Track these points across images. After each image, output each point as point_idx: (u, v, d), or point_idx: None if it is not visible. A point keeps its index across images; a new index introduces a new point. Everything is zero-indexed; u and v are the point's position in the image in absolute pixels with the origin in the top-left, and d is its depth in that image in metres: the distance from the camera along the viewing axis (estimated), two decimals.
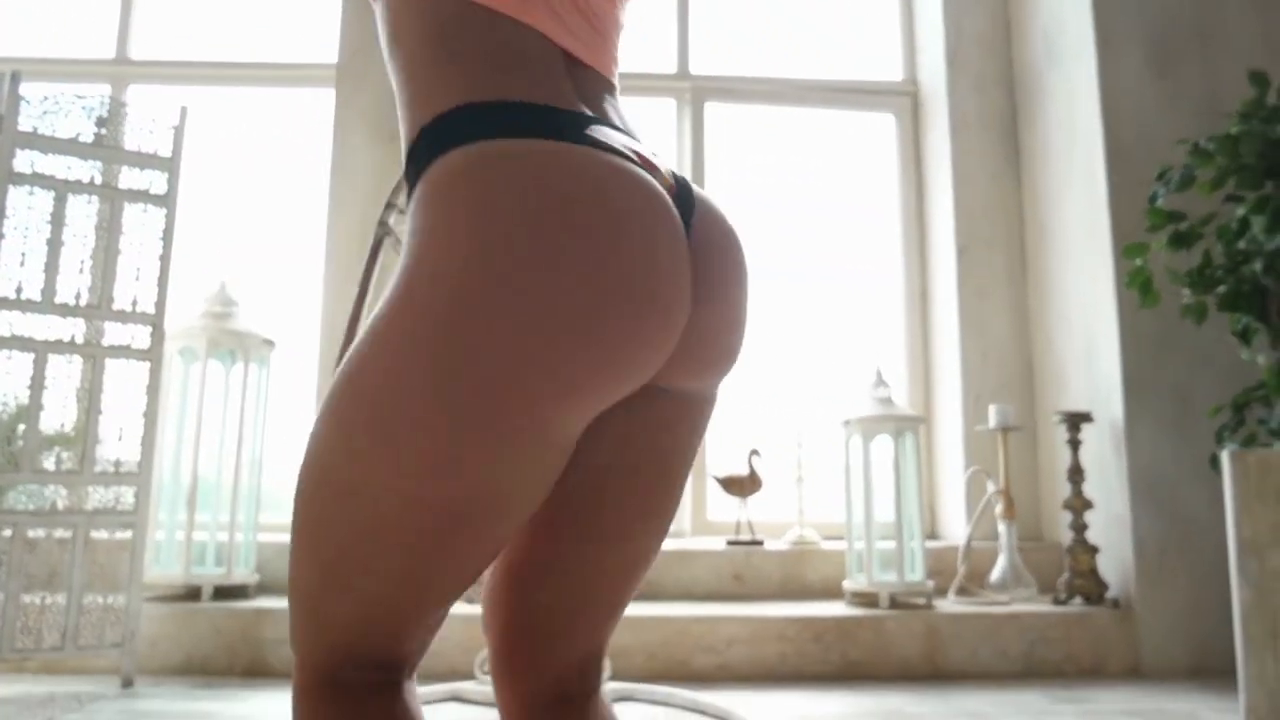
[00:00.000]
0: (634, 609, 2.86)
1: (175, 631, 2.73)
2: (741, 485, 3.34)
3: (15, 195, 2.55)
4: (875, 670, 2.78)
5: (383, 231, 2.16)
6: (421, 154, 0.69)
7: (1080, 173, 3.24)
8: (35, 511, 2.53)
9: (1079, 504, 2.97)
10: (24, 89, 2.61)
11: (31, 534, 2.53)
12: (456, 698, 2.44)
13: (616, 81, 0.82)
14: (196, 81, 3.84)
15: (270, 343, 3.06)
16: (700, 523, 3.59)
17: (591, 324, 0.63)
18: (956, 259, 3.58)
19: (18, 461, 2.50)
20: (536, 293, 0.61)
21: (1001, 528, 3.12)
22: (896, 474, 2.97)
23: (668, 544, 3.32)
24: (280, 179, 3.72)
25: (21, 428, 2.51)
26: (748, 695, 2.53)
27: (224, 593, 2.91)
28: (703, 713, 2.31)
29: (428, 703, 2.40)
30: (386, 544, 0.65)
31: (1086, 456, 3.15)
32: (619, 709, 2.35)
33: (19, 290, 2.53)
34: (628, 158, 0.70)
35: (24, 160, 2.57)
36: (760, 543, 3.29)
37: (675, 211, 0.70)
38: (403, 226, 2.30)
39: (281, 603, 2.87)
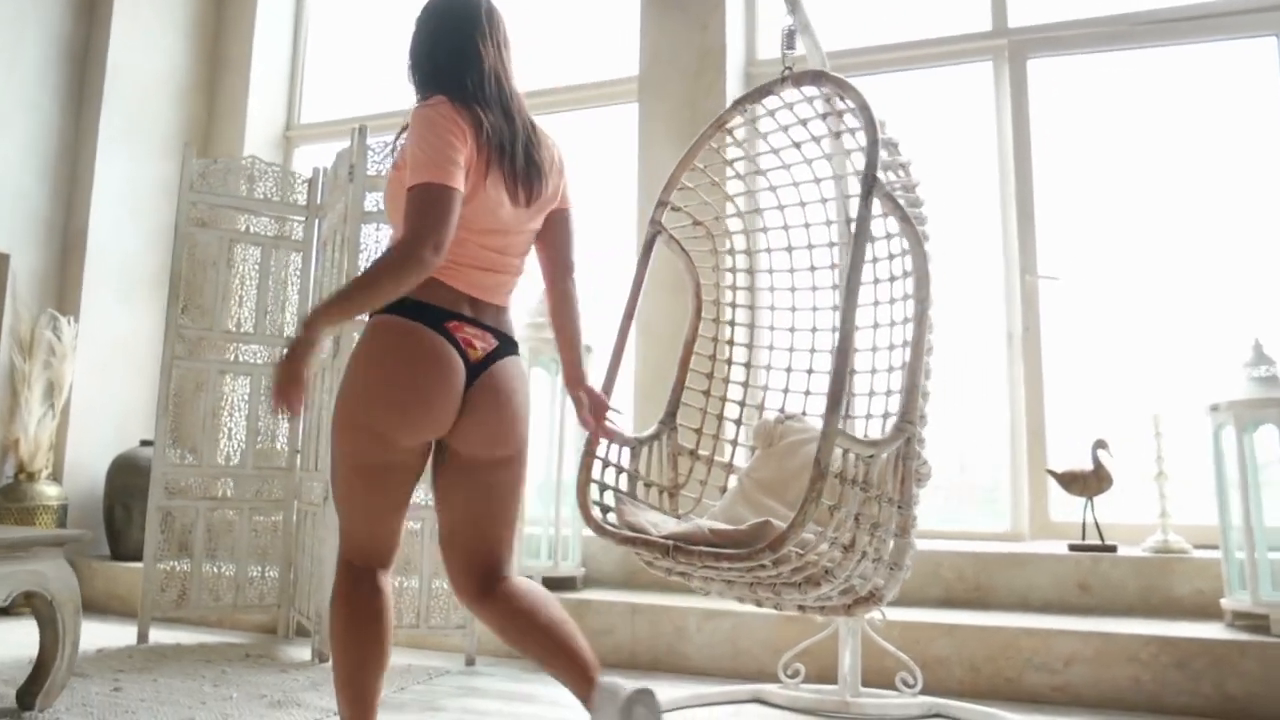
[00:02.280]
0: (955, 617, 2.62)
1: None
2: (1085, 483, 2.93)
3: (365, 230, 2.93)
4: (1263, 711, 2.29)
5: (654, 230, 2.18)
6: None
7: None
8: None
9: None
10: (370, 140, 3.00)
11: None
12: (759, 699, 2.39)
13: (506, 302, 1.68)
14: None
15: (589, 349, 3.23)
16: (1040, 524, 3.21)
17: (382, 398, 1.53)
18: None
19: None
20: (370, 379, 1.55)
21: None
22: None
23: (1000, 548, 3.00)
24: (594, 189, 3.93)
25: None
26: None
27: (554, 584, 3.09)
28: None
29: (731, 702, 2.37)
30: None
31: None
32: None
33: None
34: (447, 335, 1.54)
35: (370, 200, 2.95)
36: (1113, 548, 2.86)
37: (456, 364, 1.54)
38: (673, 223, 2.29)
39: (603, 595, 3.02)
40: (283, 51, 4.75)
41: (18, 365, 3.76)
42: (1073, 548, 2.89)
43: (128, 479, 3.76)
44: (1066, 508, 3.13)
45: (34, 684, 2.16)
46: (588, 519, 1.96)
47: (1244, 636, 2.37)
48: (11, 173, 3.84)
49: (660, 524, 1.95)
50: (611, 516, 2.03)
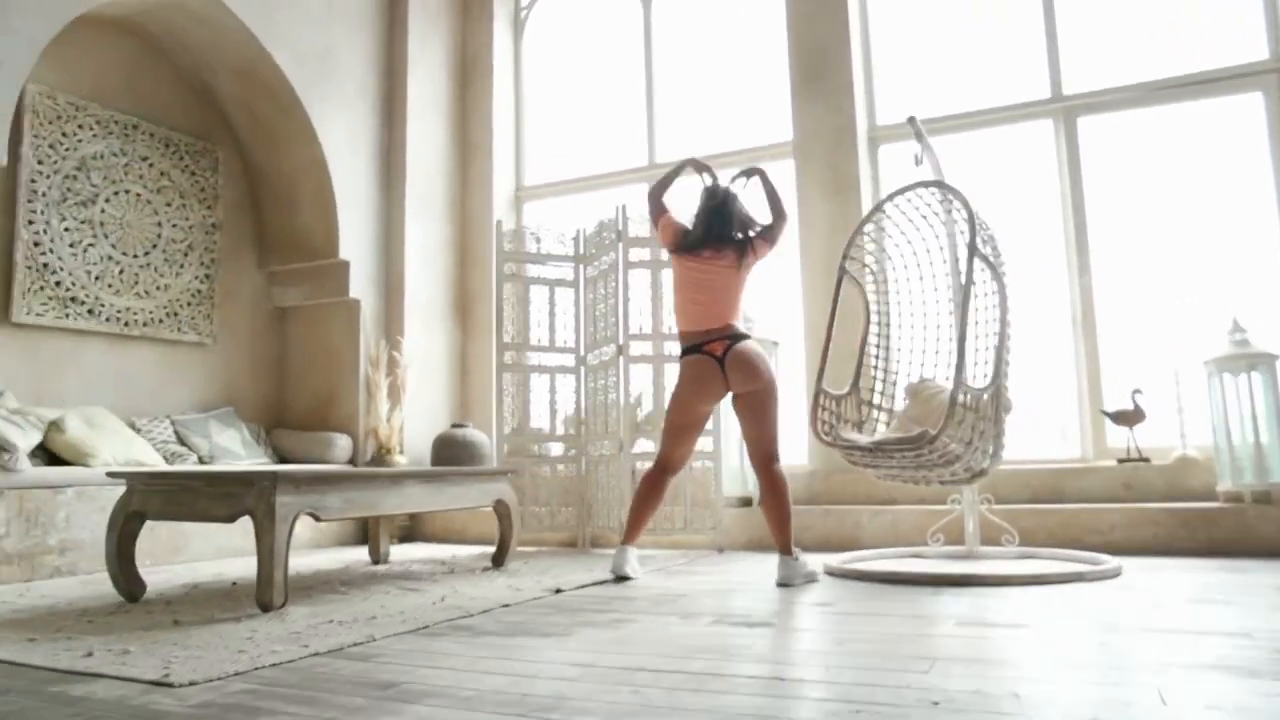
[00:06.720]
0: (1041, 508, 4.06)
1: (741, 523, 4.54)
2: (1128, 418, 4.31)
3: (634, 276, 4.51)
4: (1235, 550, 3.67)
5: (841, 273, 3.67)
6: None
7: None
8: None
9: None
10: (628, 212, 4.57)
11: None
12: (916, 555, 3.87)
13: (731, 320, 3.44)
14: None
15: (776, 343, 4.75)
16: (1099, 450, 4.59)
17: (681, 393, 3.44)
18: None
19: (639, 428, 4.46)
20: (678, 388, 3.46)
21: None
22: (1251, 400, 3.78)
23: (1067, 462, 4.41)
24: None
25: (643, 410, 4.45)
26: (1125, 560, 3.62)
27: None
28: (1078, 562, 3.48)
29: (898, 557, 3.86)
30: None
31: None
32: (1024, 563, 3.61)
33: (641, 329, 4.48)
34: (702, 349, 3.39)
35: (633, 254, 4.52)
36: (1147, 460, 4.25)
37: (713, 359, 3.38)
38: (855, 268, 3.79)
39: (799, 506, 4.54)
40: (509, 135, 6.38)
41: (370, 376, 5.48)
42: (1120, 461, 4.28)
43: (447, 450, 5.44)
44: (1115, 437, 4.51)
45: (499, 553, 3.82)
46: (819, 437, 3.48)
47: (1227, 505, 3.75)
48: (358, 247, 5.57)
49: (858, 439, 3.46)
50: (829, 435, 3.55)
